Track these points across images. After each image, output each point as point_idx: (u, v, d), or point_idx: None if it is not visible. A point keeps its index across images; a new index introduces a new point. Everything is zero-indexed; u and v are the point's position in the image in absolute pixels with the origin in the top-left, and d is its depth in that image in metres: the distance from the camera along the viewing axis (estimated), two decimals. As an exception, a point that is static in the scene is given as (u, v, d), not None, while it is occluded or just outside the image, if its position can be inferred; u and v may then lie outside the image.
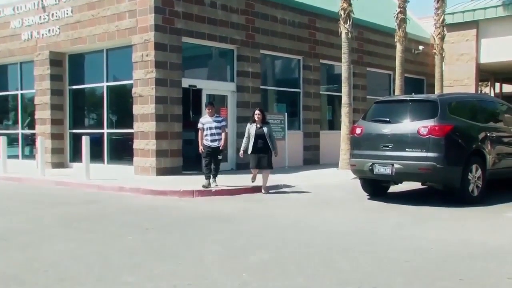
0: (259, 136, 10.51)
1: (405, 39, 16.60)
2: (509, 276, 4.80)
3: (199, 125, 10.91)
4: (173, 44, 13.24)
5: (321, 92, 17.74)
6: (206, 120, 10.87)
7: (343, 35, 15.05)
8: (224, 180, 11.24)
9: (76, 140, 15.32)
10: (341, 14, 15.02)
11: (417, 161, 8.73)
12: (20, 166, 16.01)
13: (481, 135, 9.34)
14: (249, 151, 10.60)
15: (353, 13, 15.09)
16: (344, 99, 15.13)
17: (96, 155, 14.11)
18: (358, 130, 9.76)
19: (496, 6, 18.31)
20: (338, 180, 12.60)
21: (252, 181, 10.80)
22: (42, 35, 15.73)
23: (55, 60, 15.79)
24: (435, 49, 19.57)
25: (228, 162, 14.59)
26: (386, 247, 5.92)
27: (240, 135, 13.79)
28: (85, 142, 12.42)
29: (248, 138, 10.64)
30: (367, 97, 18.96)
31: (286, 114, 15.86)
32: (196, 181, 11.29)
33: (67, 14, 15.03)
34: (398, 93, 16.32)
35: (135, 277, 4.79)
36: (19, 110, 17.70)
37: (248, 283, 4.61)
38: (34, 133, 16.51)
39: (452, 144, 8.81)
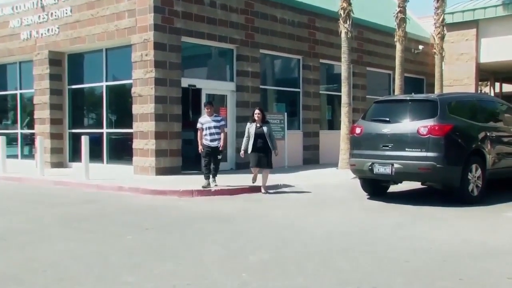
0: (259, 135, 10.50)
1: (405, 38, 16.59)
2: (509, 276, 4.80)
3: (198, 125, 10.86)
4: (172, 44, 13.23)
5: (320, 92, 17.73)
6: (205, 120, 10.83)
7: (343, 35, 15.04)
8: (223, 180, 11.22)
9: (75, 140, 15.30)
10: (340, 14, 15.01)
11: (417, 160, 8.72)
12: (19, 166, 16.00)
13: (481, 135, 9.34)
14: (249, 151, 10.58)
15: (352, 12, 15.08)
16: (344, 99, 15.13)
17: (95, 155, 14.09)
18: (357, 130, 9.75)
19: (496, 6, 18.33)
20: (338, 180, 12.60)
21: (253, 182, 10.78)
22: (41, 34, 15.72)
23: (54, 60, 15.77)
24: (435, 48, 19.57)
25: (228, 162, 14.57)
26: (386, 247, 5.91)
27: (239, 134, 13.78)
28: (85, 141, 12.41)
29: (248, 137, 10.62)
30: (367, 96, 18.94)
31: (285, 113, 15.84)
32: (196, 181, 11.28)
33: (66, 13, 15.01)
34: (397, 93, 16.30)
35: (135, 277, 4.79)
36: (18, 109, 17.69)
37: (248, 283, 4.60)
38: (33, 133, 16.50)
39: (451, 143, 8.81)
